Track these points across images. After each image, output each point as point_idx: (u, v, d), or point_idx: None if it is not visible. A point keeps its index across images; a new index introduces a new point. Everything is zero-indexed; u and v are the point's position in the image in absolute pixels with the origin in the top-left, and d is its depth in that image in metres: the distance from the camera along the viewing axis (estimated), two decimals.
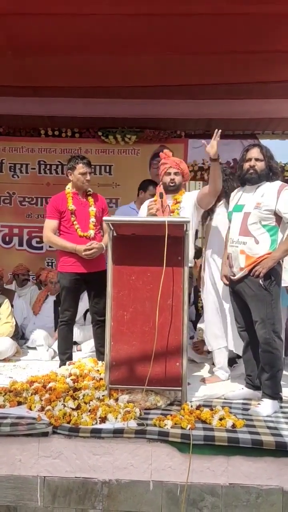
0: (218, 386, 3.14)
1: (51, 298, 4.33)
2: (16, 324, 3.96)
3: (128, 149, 6.13)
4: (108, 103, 5.28)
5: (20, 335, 4.13)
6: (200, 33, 3.66)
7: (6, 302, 3.87)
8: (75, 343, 3.90)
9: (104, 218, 2.71)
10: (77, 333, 4.03)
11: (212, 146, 2.86)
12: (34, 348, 4.09)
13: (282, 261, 2.88)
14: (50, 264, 6.52)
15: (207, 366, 3.67)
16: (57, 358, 3.59)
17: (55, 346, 3.90)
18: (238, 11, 3.30)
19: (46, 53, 4.16)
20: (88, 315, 4.46)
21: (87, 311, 4.41)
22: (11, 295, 4.31)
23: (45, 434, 2.36)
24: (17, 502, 2.34)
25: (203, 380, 3.26)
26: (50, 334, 4.18)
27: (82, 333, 4.22)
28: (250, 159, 2.81)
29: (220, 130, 2.88)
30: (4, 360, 3.71)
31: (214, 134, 2.87)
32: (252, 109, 5.45)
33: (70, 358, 3.36)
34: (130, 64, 4.33)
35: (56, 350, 3.82)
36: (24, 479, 2.35)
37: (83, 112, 5.72)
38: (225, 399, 2.88)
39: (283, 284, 3.00)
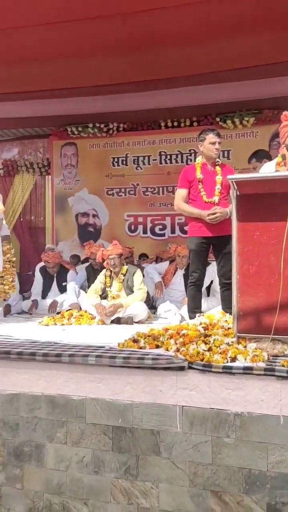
0: None
1: (180, 272, 4.65)
2: (148, 293, 4.35)
3: (247, 132, 6.25)
4: (224, 87, 5.45)
5: (150, 303, 4.53)
6: None
7: (138, 271, 4.30)
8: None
9: (228, 176, 2.92)
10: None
11: None
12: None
13: None
14: None
15: None
16: (185, 322, 3.90)
17: (182, 311, 4.21)
18: None
19: (161, 43, 4.51)
20: (212, 288, 4.71)
21: (211, 283, 4.67)
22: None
23: (182, 368, 2.66)
24: (160, 427, 2.67)
25: None
26: (177, 307, 4.50)
27: (206, 303, 4.47)
28: None
29: None
30: (138, 322, 4.12)
31: None
32: None
33: None
34: (243, 46, 4.47)
35: (184, 316, 4.14)
36: (165, 407, 2.67)
37: (200, 100, 5.99)
38: None
39: None
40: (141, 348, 2.93)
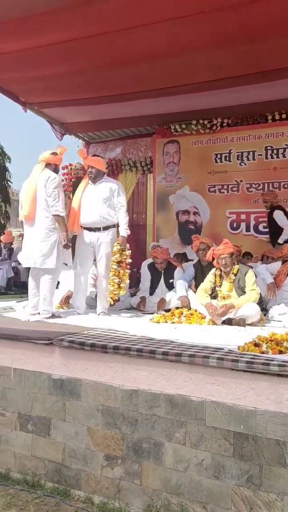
0: None
1: None
2: (260, 295, 4.17)
3: None
4: None
5: (262, 305, 4.34)
6: None
7: (250, 271, 4.13)
8: None
9: None
10: None
11: None
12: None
13: None
14: None
15: None
16: None
17: None
18: None
19: (275, 35, 4.29)
20: None
21: None
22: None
23: None
24: (286, 437, 2.52)
25: None
26: None
27: None
28: None
29: None
30: (250, 324, 3.97)
31: None
32: None
33: None
34: None
35: None
36: None
37: None
38: None
39: None
40: (263, 352, 2.80)
